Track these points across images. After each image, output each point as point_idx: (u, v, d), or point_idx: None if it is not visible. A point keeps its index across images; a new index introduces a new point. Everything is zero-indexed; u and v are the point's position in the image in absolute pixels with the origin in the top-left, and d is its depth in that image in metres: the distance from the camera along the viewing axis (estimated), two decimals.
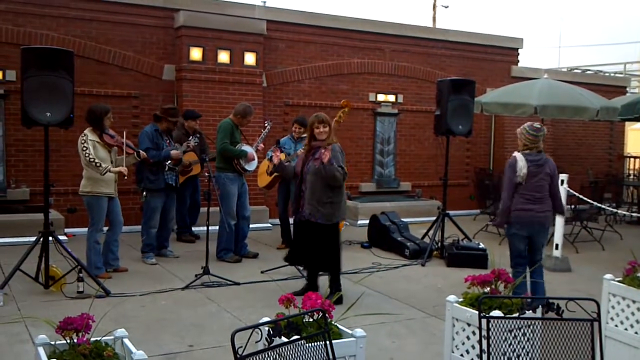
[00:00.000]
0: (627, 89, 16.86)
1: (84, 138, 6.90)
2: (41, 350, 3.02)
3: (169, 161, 7.90)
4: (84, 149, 6.83)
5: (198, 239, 9.45)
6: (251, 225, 8.67)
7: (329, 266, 6.41)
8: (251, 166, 8.21)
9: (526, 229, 5.97)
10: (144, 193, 7.84)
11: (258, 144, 8.40)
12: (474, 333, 3.93)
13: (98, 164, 6.81)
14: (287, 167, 6.72)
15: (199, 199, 9.58)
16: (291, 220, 8.89)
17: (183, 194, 8.97)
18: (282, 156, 8.31)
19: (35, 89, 6.20)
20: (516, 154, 5.97)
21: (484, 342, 3.22)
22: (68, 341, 2.99)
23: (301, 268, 7.34)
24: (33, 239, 6.65)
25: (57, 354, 2.96)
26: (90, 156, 6.81)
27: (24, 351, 4.87)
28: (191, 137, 8.39)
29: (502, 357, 3.29)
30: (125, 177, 7.07)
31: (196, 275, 7.01)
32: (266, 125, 8.63)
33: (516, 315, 3.51)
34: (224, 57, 10.51)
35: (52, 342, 3.04)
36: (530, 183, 5.89)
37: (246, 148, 8.14)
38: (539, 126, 5.99)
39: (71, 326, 2.98)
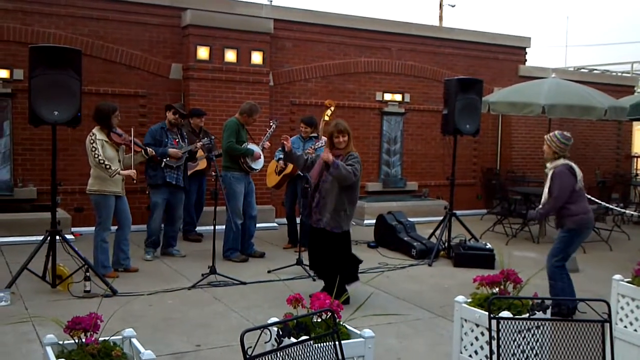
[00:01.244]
0: (635, 88, 16.77)
1: (93, 137, 6.89)
2: (49, 349, 3.01)
3: (166, 158, 7.91)
4: (93, 149, 6.82)
5: (202, 237, 9.47)
6: (257, 225, 8.66)
7: (341, 272, 6.35)
8: (257, 165, 8.21)
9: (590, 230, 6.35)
10: (147, 190, 7.95)
11: (264, 142, 8.40)
12: (482, 334, 3.92)
13: (108, 166, 6.80)
14: (298, 157, 6.65)
15: (204, 198, 9.59)
16: (297, 220, 8.93)
17: (189, 189, 8.96)
18: None
19: (43, 87, 6.20)
20: (567, 161, 6.09)
21: (494, 343, 3.20)
22: (76, 341, 2.99)
23: (308, 267, 7.34)
24: (40, 238, 6.67)
25: (66, 353, 2.96)
26: (100, 157, 6.80)
27: (32, 350, 4.87)
28: (205, 138, 8.46)
29: (511, 358, 3.27)
30: (135, 181, 7.08)
31: (203, 275, 7.01)
32: (272, 124, 8.62)
33: (526, 316, 3.49)
34: (230, 56, 10.51)
35: (60, 342, 3.03)
36: (582, 188, 6.13)
37: (252, 147, 8.13)
38: (569, 135, 6.16)
39: (79, 326, 2.97)
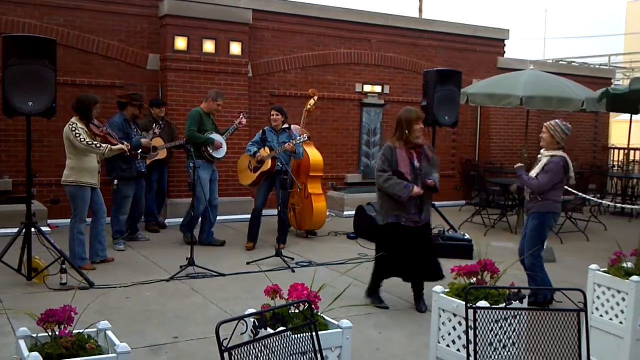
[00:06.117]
0: (612, 80, 16.93)
1: (74, 126, 6.80)
2: (22, 342, 2.97)
3: (140, 150, 7.96)
4: (77, 135, 6.74)
5: (164, 228, 9.53)
6: (236, 216, 8.65)
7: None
8: (219, 154, 8.29)
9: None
10: (115, 182, 7.92)
11: (229, 132, 8.49)
12: (460, 323, 3.93)
13: (98, 145, 6.81)
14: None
15: (165, 188, 9.60)
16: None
17: (149, 179, 8.95)
18: (266, 150, 8.19)
19: (17, 78, 6.10)
20: (565, 155, 6.11)
21: (470, 332, 3.21)
22: (50, 333, 2.95)
23: (287, 259, 7.33)
24: (15, 230, 6.58)
25: (39, 346, 2.92)
26: (86, 140, 6.76)
27: (6, 344, 4.81)
28: (155, 124, 8.77)
29: (488, 347, 3.29)
30: (127, 154, 7.18)
31: (181, 267, 6.97)
32: (241, 116, 8.55)
33: (503, 305, 3.50)
34: (209, 46, 10.42)
35: (34, 335, 2.99)
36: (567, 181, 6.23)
37: (214, 136, 8.18)
38: (570, 125, 6.20)
39: (53, 318, 2.93)
